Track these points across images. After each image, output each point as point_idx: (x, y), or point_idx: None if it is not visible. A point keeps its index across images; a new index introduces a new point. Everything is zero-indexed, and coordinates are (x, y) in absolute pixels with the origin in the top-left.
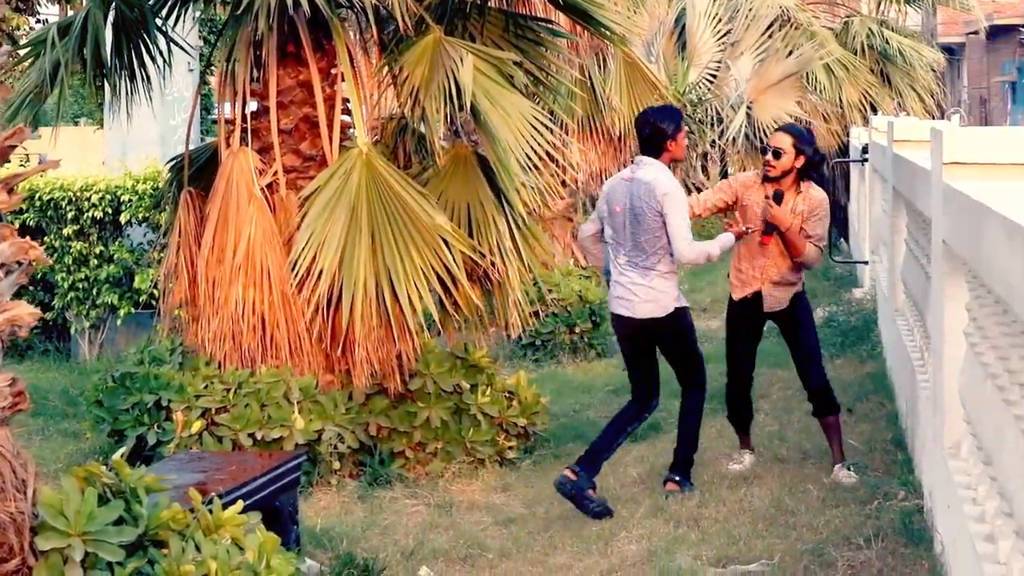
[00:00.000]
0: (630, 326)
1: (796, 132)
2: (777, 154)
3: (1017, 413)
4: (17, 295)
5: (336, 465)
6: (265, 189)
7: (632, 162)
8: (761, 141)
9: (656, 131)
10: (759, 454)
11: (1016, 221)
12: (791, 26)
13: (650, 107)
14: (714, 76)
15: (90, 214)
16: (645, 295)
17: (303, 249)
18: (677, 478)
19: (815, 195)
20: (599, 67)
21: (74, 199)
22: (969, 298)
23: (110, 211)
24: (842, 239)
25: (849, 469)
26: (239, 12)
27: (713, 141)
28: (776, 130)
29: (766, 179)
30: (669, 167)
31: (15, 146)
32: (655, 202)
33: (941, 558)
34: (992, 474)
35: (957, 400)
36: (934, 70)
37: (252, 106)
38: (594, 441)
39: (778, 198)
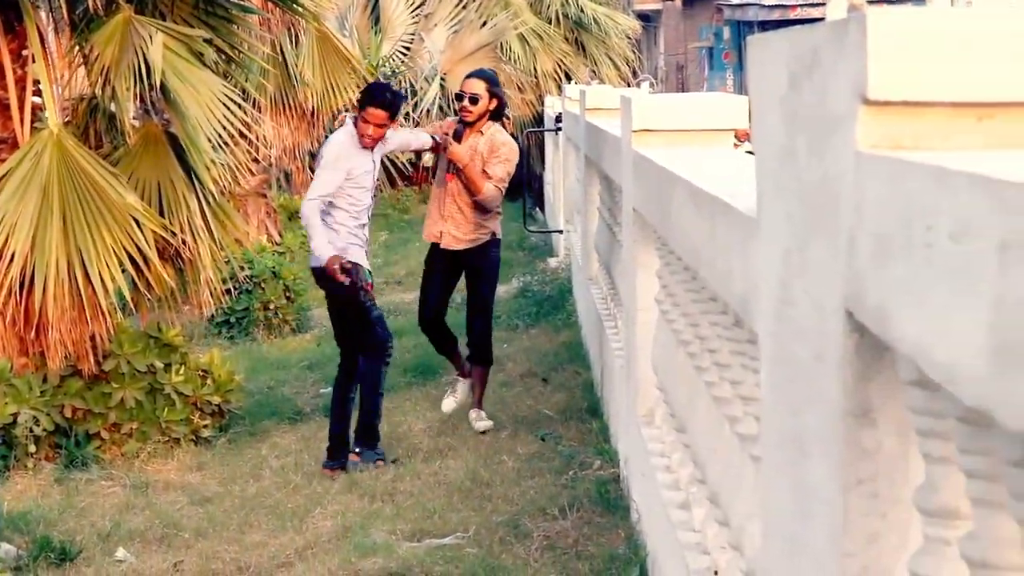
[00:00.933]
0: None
1: (487, 76)
2: (474, 100)
3: (708, 380)
4: None
5: (32, 448)
6: None
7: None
8: (454, 112)
9: (360, 96)
10: (452, 426)
11: (700, 187)
12: None
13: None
14: (408, 48)
15: None
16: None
17: None
18: (357, 449)
19: (499, 137)
20: (292, 42)
21: None
22: (660, 265)
23: None
24: (537, 208)
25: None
26: None
27: (407, 113)
28: (467, 77)
29: (463, 124)
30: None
31: None
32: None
33: (637, 526)
34: (685, 441)
35: (650, 367)
36: (629, 37)
37: None
38: (359, 416)
39: (457, 135)
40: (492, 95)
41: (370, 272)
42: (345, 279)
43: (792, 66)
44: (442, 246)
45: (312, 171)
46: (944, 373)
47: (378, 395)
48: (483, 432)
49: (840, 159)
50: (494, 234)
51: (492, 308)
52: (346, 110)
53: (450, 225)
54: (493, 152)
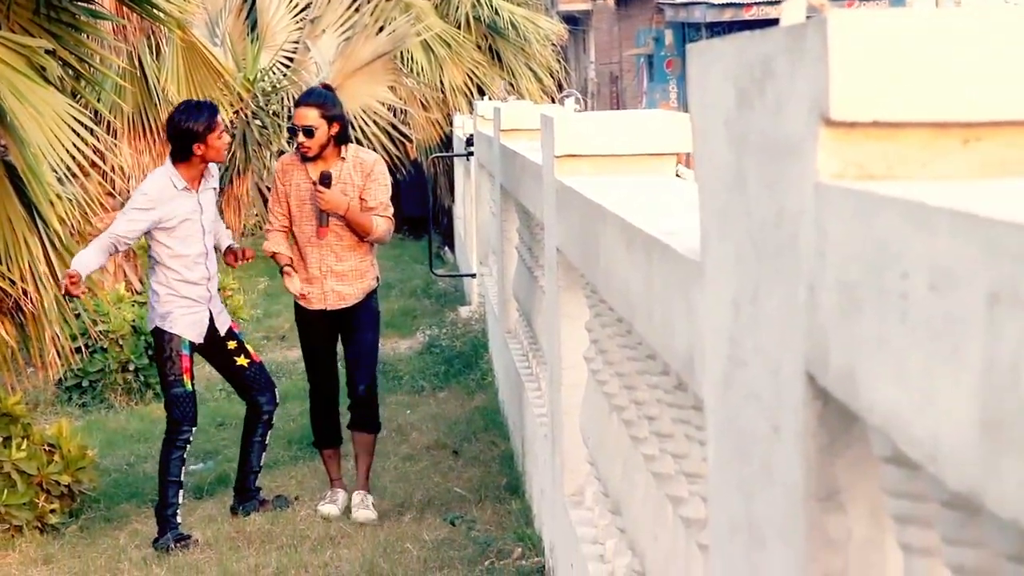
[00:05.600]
0: None
1: (318, 100)
2: (309, 132)
3: (646, 452)
4: None
5: None
6: None
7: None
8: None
9: (181, 133)
10: (345, 510)
11: (633, 223)
12: None
13: (181, 103)
14: (291, 59)
15: None
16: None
17: None
18: (157, 552)
19: (366, 158)
20: (152, 53)
21: None
22: (589, 316)
23: None
24: (446, 248)
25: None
26: None
27: (292, 134)
28: (296, 106)
29: (305, 159)
30: (205, 170)
31: None
32: None
33: None
34: (621, 525)
35: (578, 438)
36: (554, 44)
37: None
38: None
39: (326, 181)
40: (330, 119)
41: (189, 344)
42: (76, 292)
43: (740, 80)
44: (328, 308)
45: None
46: (924, 450)
47: (166, 482)
48: (363, 523)
49: (797, 192)
50: (377, 279)
51: (376, 361)
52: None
53: (332, 281)
54: (368, 175)
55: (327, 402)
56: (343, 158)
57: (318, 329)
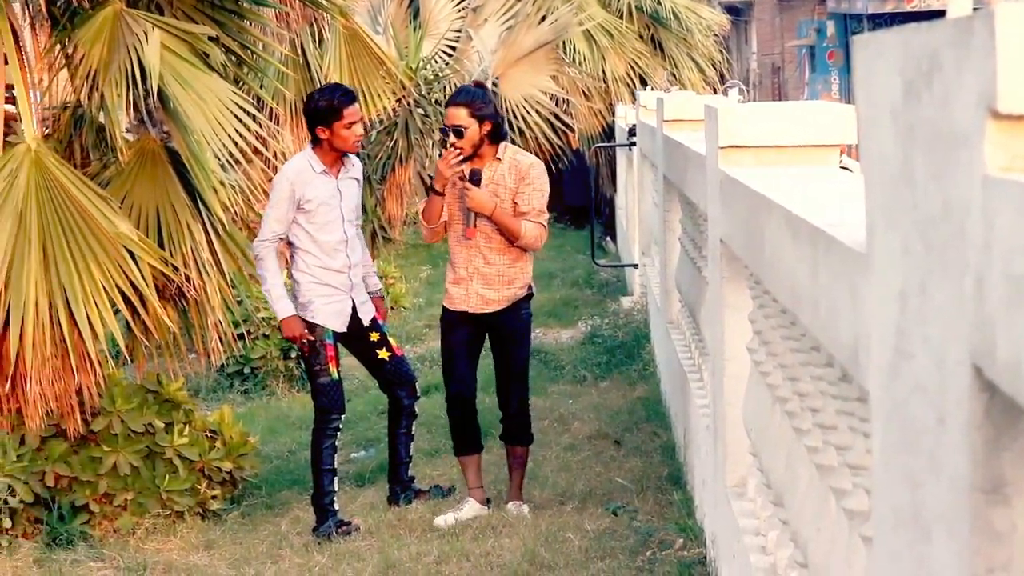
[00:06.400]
0: None
1: (468, 99)
2: (459, 132)
3: (809, 444)
4: None
5: (7, 523)
6: None
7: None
8: (510, 123)
9: (308, 112)
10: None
11: (799, 215)
12: None
13: (326, 84)
14: (453, 48)
15: None
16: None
17: None
18: (318, 540)
19: (523, 160)
20: (315, 41)
21: None
22: (752, 307)
23: None
24: (608, 238)
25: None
26: None
27: (443, 134)
28: (446, 106)
29: (462, 160)
30: (342, 159)
31: None
32: None
33: None
34: (783, 517)
35: (741, 429)
36: (716, 35)
37: None
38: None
39: (475, 179)
40: (480, 118)
41: (332, 333)
42: (305, 348)
43: (907, 72)
44: (471, 309)
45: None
46: None
47: (320, 471)
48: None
49: (965, 184)
50: (530, 287)
51: (528, 377)
52: (388, 117)
53: (478, 284)
54: (523, 179)
55: (465, 409)
56: (499, 158)
57: (459, 331)
